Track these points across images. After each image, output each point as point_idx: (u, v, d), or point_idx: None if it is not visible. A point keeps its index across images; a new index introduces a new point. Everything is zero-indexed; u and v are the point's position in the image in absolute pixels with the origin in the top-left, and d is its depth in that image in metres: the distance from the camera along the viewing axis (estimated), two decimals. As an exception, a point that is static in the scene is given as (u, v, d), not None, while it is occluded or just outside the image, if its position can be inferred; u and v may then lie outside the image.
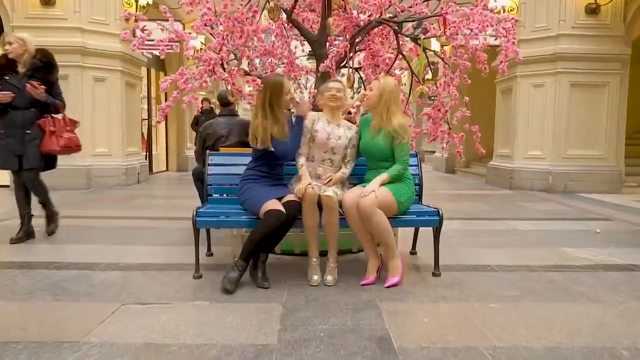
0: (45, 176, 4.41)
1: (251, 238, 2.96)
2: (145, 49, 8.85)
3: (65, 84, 7.86)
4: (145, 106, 11.22)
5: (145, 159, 10.72)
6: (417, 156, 3.71)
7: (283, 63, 4.56)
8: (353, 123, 3.64)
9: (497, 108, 9.42)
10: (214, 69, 3.57)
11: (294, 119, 3.27)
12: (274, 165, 3.26)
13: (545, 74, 8.11)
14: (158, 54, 5.48)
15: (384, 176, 3.09)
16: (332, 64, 3.78)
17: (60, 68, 7.91)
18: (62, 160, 8.25)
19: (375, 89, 3.17)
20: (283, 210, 2.96)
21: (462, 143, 3.93)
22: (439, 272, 3.26)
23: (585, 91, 8.08)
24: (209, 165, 3.60)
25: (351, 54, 3.97)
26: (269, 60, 4.77)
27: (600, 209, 6.47)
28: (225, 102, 4.97)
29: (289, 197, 3.08)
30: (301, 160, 3.25)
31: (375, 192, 2.98)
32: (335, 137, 3.28)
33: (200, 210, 3.19)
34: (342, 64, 4.14)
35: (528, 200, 7.31)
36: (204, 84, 3.73)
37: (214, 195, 3.58)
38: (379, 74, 4.17)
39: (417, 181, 3.50)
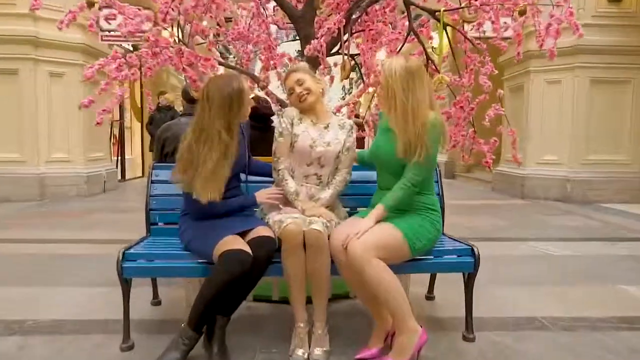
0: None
1: (202, 295, 1.99)
2: (113, 42, 7.84)
3: (15, 79, 6.88)
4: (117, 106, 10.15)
5: (117, 164, 9.68)
6: (437, 169, 2.76)
7: (257, 50, 3.61)
8: (359, 126, 2.71)
9: (505, 107, 8.50)
10: (161, 51, 2.59)
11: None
12: (227, 188, 2.23)
13: (561, 69, 7.19)
14: (130, 47, 4.55)
15: (378, 208, 2.11)
16: (321, 45, 2.82)
17: (8, 61, 6.93)
18: (11, 167, 7.40)
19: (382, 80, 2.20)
20: (248, 250, 2.00)
21: (493, 151, 2.99)
22: (472, 335, 2.30)
23: (607, 88, 7.16)
24: (152, 182, 2.63)
25: (346, 36, 3.02)
26: (243, 46, 3.83)
27: (636, 224, 5.57)
28: (189, 98, 3.99)
29: (260, 231, 2.12)
30: (290, 182, 2.33)
31: (368, 231, 2.03)
32: (322, 143, 2.32)
33: (130, 251, 2.20)
34: (334, 49, 3.19)
35: (546, 212, 6.40)
36: (148, 73, 2.75)
37: (159, 224, 2.61)
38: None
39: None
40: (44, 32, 6.87)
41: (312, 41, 2.81)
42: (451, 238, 2.53)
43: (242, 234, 2.11)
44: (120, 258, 2.11)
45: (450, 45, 3.04)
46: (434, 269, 2.43)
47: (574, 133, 7.29)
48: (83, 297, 2.91)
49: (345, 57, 2.98)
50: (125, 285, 2.15)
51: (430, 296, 2.89)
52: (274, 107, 3.53)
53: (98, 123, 2.81)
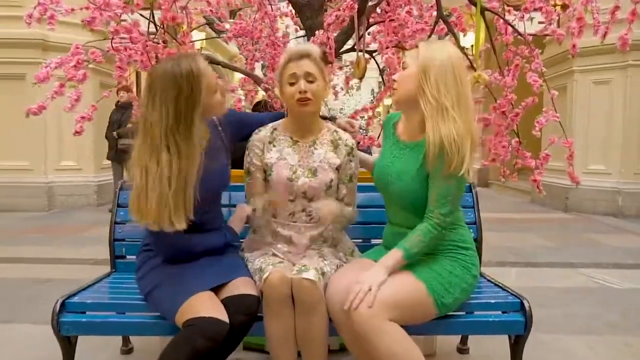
0: None
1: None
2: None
3: (22, 84, 6.59)
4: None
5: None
6: (472, 190, 2.20)
7: (256, 43, 3.12)
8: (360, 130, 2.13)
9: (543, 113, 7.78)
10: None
11: (219, 122, 1.80)
12: (202, 213, 1.69)
13: (611, 67, 6.44)
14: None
15: (395, 255, 1.54)
16: (328, 37, 2.29)
17: (15, 65, 6.66)
18: (18, 176, 7.14)
19: (411, 63, 1.61)
20: (222, 317, 1.47)
21: (544, 167, 2.40)
22: (521, 416, 1.72)
23: (663, 89, 6.38)
24: (118, 206, 2.14)
25: (362, 28, 2.49)
26: (246, 44, 3.37)
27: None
28: None
29: (239, 285, 1.59)
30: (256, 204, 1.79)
31: (378, 288, 1.46)
32: (307, 171, 1.74)
33: (74, 299, 1.71)
34: (345, 46, 2.66)
35: (595, 229, 5.67)
36: (117, 74, 2.28)
37: (127, 257, 2.12)
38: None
39: (475, 236, 1.98)
40: (52, 34, 6.57)
41: (317, 32, 2.29)
42: (491, 282, 1.95)
43: (217, 289, 1.59)
44: (57, 310, 1.63)
45: (490, 37, 2.47)
46: (469, 330, 1.84)
47: (625, 140, 6.52)
48: (31, 340, 2.43)
49: (359, 52, 2.46)
50: (68, 345, 1.67)
51: (463, 348, 2.30)
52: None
53: (77, 132, 2.35)
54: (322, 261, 1.64)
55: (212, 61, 2.81)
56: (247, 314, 1.52)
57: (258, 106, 3.25)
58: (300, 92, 1.66)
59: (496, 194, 9.54)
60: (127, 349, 2.29)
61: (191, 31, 3.19)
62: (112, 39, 2.12)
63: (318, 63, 1.72)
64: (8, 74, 6.54)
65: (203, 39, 6.86)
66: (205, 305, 1.48)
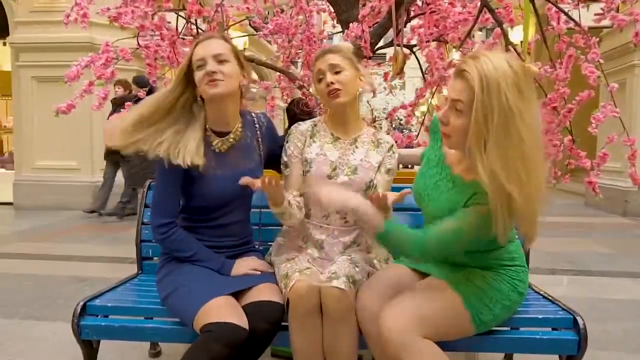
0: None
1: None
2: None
3: (71, 87, 6.82)
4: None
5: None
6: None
7: (292, 40, 3.02)
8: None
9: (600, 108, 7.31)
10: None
11: (257, 119, 1.74)
12: (225, 219, 1.65)
13: (676, 61, 5.98)
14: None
15: (376, 220, 1.34)
16: (363, 30, 2.17)
17: (63, 68, 6.89)
18: (67, 175, 7.36)
19: (468, 85, 1.21)
20: (242, 322, 1.38)
21: (600, 168, 2.18)
22: None
23: None
24: (146, 206, 2.10)
25: (400, 21, 2.34)
26: (283, 40, 3.28)
27: None
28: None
29: (262, 291, 1.50)
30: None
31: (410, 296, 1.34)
32: (347, 168, 1.65)
33: (96, 302, 1.66)
34: (384, 40, 2.53)
35: (658, 236, 5.26)
36: (147, 71, 2.25)
37: (153, 258, 2.07)
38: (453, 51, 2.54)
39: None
40: (99, 37, 6.76)
41: (351, 24, 2.17)
42: (539, 294, 1.77)
43: (237, 294, 1.51)
44: (78, 313, 1.59)
45: (540, 26, 2.27)
46: (515, 348, 1.65)
47: (692, 139, 6.02)
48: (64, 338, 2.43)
49: (397, 46, 2.31)
50: (89, 348, 1.63)
51: (507, 365, 2.12)
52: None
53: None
54: (353, 268, 1.52)
55: (246, 59, 2.76)
56: (270, 322, 1.43)
57: (292, 104, 3.16)
58: (328, 85, 1.59)
59: (547, 196, 9.05)
60: (155, 352, 2.25)
61: (227, 29, 3.16)
62: (138, 35, 2.08)
63: (345, 55, 1.65)
64: (57, 77, 6.76)
65: (240, 36, 6.83)
66: (223, 310, 1.40)
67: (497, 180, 1.16)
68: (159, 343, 2.27)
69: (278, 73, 3.06)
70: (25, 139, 7.05)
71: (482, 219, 1.23)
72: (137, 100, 3.80)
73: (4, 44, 7.31)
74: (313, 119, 1.81)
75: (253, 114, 1.75)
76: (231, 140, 1.64)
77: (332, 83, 1.59)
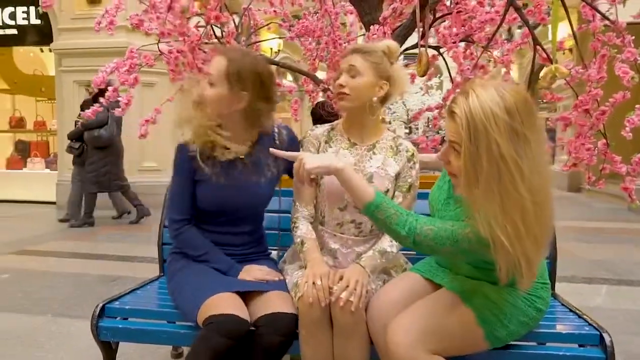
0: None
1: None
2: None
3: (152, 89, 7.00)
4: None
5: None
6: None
7: (318, 44, 3.00)
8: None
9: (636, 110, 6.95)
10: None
11: (278, 135, 1.69)
12: (232, 227, 1.66)
13: None
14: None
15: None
16: (384, 33, 2.13)
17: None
18: (149, 176, 7.54)
19: (458, 127, 1.13)
20: (243, 315, 1.39)
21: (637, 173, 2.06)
22: None
23: None
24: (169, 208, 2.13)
25: (424, 22, 2.29)
26: (310, 42, 3.27)
27: None
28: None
29: (274, 301, 1.48)
30: (301, 227, 1.60)
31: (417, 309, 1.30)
32: (362, 176, 1.56)
33: (115, 304, 1.70)
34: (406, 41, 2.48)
35: None
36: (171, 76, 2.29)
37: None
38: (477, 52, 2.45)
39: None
40: (138, 43, 6.96)
41: (372, 27, 2.14)
42: (565, 306, 1.69)
43: (249, 297, 1.51)
44: (97, 314, 1.62)
45: (571, 24, 2.17)
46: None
47: None
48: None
49: (421, 48, 2.26)
50: (108, 349, 1.66)
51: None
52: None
53: (142, 135, 2.40)
54: (366, 278, 1.48)
55: (270, 62, 2.77)
56: (283, 334, 1.41)
57: (317, 106, 3.15)
58: (337, 86, 1.54)
59: (588, 199, 8.72)
60: (177, 353, 2.27)
61: (254, 32, 3.17)
62: (159, 42, 2.12)
63: (370, 59, 1.56)
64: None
65: (272, 38, 6.87)
66: (224, 303, 1.41)
67: (492, 231, 1.08)
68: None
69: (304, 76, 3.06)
70: (66, 141, 7.32)
71: (480, 242, 1.15)
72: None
73: (49, 50, 7.61)
74: (331, 123, 1.77)
75: (276, 129, 1.70)
76: (233, 153, 1.61)
77: (341, 85, 1.54)
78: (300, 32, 3.14)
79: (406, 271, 1.66)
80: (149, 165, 7.28)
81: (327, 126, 1.73)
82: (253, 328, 1.42)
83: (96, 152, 5.59)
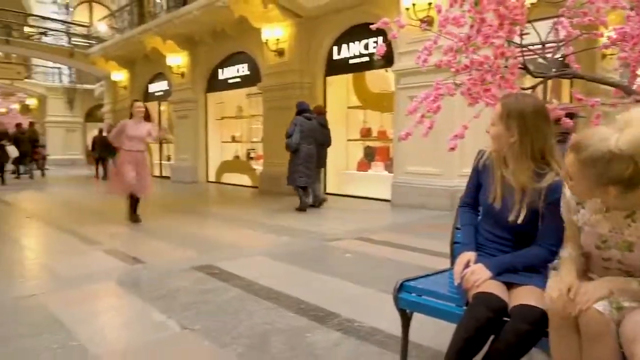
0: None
1: (453, 341, 1.83)
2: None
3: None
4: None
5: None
6: None
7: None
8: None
9: None
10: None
11: (547, 192, 1.88)
12: (509, 232, 1.98)
13: None
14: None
15: None
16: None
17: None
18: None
19: None
20: (503, 296, 1.75)
21: None
22: None
23: None
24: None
25: None
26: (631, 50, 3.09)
27: None
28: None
29: (526, 294, 1.76)
30: (564, 260, 1.75)
31: None
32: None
33: (410, 283, 2.23)
34: None
35: None
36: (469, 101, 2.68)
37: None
38: None
39: None
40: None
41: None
42: None
43: (511, 288, 1.83)
44: (397, 288, 2.20)
45: None
46: None
47: None
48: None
49: None
50: (404, 315, 2.22)
51: None
52: None
53: (452, 148, 2.97)
54: (620, 296, 1.54)
55: (575, 76, 2.83)
56: (529, 323, 1.65)
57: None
58: None
59: None
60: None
61: (558, 47, 3.21)
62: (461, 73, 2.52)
63: None
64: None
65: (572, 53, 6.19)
66: (491, 286, 1.78)
67: None
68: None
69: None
70: (400, 148, 8.56)
71: None
72: None
73: (391, 71, 9.04)
74: None
75: (553, 184, 1.85)
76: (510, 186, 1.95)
77: None
78: (617, 39, 3.00)
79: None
80: (466, 171, 7.78)
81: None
82: (507, 317, 1.71)
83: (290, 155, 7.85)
